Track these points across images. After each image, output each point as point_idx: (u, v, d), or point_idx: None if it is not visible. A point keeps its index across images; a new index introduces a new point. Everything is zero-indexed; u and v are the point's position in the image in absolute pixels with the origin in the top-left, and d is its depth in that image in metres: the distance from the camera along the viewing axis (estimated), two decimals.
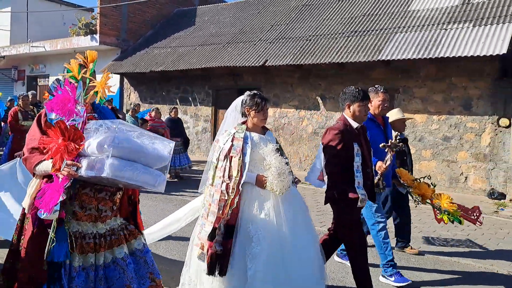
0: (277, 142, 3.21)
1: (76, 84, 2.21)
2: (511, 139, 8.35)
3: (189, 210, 3.39)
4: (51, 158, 2.07)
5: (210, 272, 2.81)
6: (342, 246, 4.22)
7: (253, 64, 11.22)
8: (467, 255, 4.90)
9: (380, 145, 3.75)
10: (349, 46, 10.16)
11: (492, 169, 8.64)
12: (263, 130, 3.20)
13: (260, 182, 2.94)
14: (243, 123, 3.13)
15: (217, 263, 2.79)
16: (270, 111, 11.90)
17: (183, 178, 9.49)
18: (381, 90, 4.13)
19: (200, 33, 14.75)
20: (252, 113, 3.09)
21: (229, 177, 2.89)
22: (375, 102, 4.08)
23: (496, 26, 8.56)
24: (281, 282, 2.79)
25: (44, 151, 2.12)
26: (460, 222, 3.98)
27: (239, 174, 2.88)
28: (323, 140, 3.39)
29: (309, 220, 3.16)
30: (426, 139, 9.43)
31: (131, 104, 14.64)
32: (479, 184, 8.80)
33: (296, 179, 3.25)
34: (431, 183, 4.25)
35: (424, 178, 4.29)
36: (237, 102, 3.22)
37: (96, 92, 2.38)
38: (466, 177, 8.96)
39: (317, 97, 11.17)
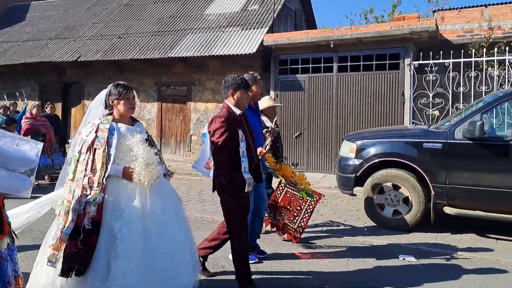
0: (147, 133, 3.13)
1: None
2: None
3: (40, 201, 3.04)
4: None
5: (65, 273, 2.66)
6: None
7: (68, 60, 11.97)
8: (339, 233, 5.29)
9: (264, 131, 3.93)
10: (152, 44, 11.51)
11: None
12: (132, 122, 3.10)
13: (127, 174, 2.83)
14: (109, 114, 3.02)
15: (75, 263, 2.65)
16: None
17: None
18: (258, 77, 4.23)
19: (28, 29, 14.93)
20: (116, 102, 2.98)
21: (92, 170, 2.76)
22: (254, 89, 4.13)
23: (255, 30, 10.58)
24: (147, 278, 2.74)
25: None
26: (312, 197, 4.48)
27: (103, 167, 2.76)
28: (210, 128, 3.40)
29: (180, 211, 3.11)
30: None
31: None
32: None
33: (169, 172, 3.23)
34: (293, 163, 4.92)
35: (282, 160, 4.71)
36: (102, 94, 3.09)
37: None
38: None
39: None
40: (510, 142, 4.81)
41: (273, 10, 10.78)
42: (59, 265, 2.68)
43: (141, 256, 2.74)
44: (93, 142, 2.82)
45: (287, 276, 3.91)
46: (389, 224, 5.44)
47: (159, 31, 11.99)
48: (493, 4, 23.35)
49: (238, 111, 3.47)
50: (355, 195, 5.97)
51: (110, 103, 3.01)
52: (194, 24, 11.78)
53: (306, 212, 4.63)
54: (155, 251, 2.79)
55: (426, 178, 5.22)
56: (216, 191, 3.44)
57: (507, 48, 8.51)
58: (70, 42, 12.88)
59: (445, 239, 5.07)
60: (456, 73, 8.59)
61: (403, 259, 4.36)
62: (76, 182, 2.76)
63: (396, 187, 5.44)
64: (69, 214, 2.71)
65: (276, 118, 4.40)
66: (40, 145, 2.34)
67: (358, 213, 6.26)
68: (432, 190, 5.19)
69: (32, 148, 2.25)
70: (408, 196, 5.35)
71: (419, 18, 9.11)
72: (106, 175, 2.77)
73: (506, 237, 5.08)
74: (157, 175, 2.85)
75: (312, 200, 4.58)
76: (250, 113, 4.06)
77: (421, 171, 5.25)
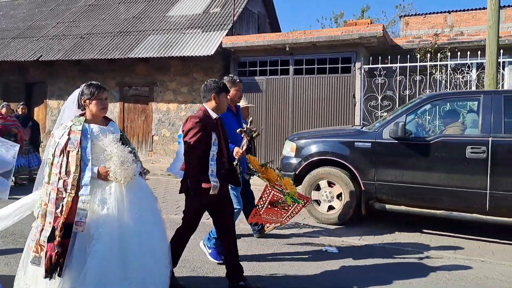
0: (121, 132, 3.15)
1: None
2: None
3: (19, 207, 3.06)
4: None
5: (49, 275, 2.68)
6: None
7: (29, 59, 11.94)
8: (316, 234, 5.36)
9: (237, 130, 3.95)
10: (113, 44, 11.60)
11: None
12: (106, 121, 3.10)
13: (102, 174, 2.85)
14: (82, 115, 3.02)
15: (57, 264, 2.68)
16: (55, 103, 12.80)
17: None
18: (237, 80, 4.32)
19: None
20: (88, 102, 2.98)
21: (67, 173, 2.77)
22: (233, 91, 4.21)
23: (214, 33, 10.82)
24: (125, 276, 2.77)
25: None
26: (298, 202, 4.43)
27: (78, 169, 2.77)
28: (184, 128, 3.43)
29: (156, 210, 3.14)
30: (177, 124, 11.38)
31: None
32: None
33: (145, 170, 3.24)
34: (277, 168, 4.77)
35: (268, 163, 4.73)
36: (74, 94, 3.07)
37: None
38: None
39: None
40: (431, 142, 5.18)
41: (233, 14, 11.02)
42: (42, 267, 2.70)
43: (119, 254, 2.76)
44: (66, 144, 2.82)
45: (277, 276, 3.95)
46: (325, 219, 5.75)
47: (121, 32, 12.09)
48: (456, 11, 24.25)
49: (214, 115, 3.50)
50: None
51: (83, 103, 3.01)
52: (156, 26, 11.93)
53: (291, 214, 4.62)
54: (133, 249, 2.81)
55: (357, 175, 5.56)
56: (183, 192, 3.47)
57: (449, 54, 8.99)
58: (33, 42, 12.84)
59: (419, 238, 5.25)
60: (403, 77, 9.02)
61: (325, 250, 4.66)
62: (51, 186, 2.76)
63: (331, 184, 5.76)
64: (46, 217, 2.74)
65: (250, 118, 4.51)
66: (16, 147, 2.35)
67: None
68: (362, 186, 5.53)
69: (8, 150, 2.27)
70: (341, 193, 5.67)
71: (370, 24, 9.49)
72: (88, 182, 2.78)
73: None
74: (133, 173, 2.88)
75: (298, 204, 4.53)
76: (230, 116, 4.14)
77: (353, 169, 5.58)
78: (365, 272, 4.11)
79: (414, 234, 5.39)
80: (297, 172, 5.98)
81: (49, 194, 2.75)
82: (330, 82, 9.61)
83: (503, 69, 8.96)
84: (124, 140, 3.11)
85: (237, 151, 3.87)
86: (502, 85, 8.85)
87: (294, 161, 6.03)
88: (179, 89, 11.35)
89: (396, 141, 5.28)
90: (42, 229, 2.73)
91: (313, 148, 5.87)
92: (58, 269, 2.67)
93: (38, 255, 2.72)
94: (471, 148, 4.94)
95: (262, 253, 4.59)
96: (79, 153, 2.80)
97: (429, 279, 3.94)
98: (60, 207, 2.72)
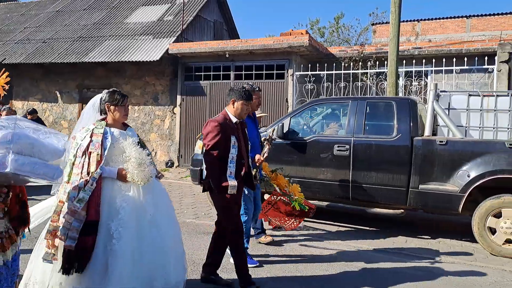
0: (138, 137, 3.26)
1: None
2: (177, 123, 11.45)
3: (40, 211, 3.17)
4: None
5: (67, 271, 2.76)
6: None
7: None
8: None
9: (262, 139, 4.15)
10: (72, 48, 12.31)
11: (170, 145, 11.67)
12: (124, 127, 3.23)
13: (121, 175, 2.95)
14: (103, 119, 3.14)
15: (76, 260, 2.75)
16: (20, 103, 13.49)
17: None
18: (256, 89, 4.47)
19: None
20: (112, 108, 3.11)
21: (88, 173, 2.88)
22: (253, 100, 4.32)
23: (164, 39, 11.56)
24: (140, 275, 2.87)
25: None
26: (305, 209, 4.57)
27: (97, 169, 2.89)
28: (203, 131, 3.58)
29: (171, 211, 3.25)
30: (131, 124, 12.07)
31: None
32: (163, 157, 11.76)
33: (160, 174, 3.32)
34: (287, 175, 4.91)
35: (277, 170, 4.93)
36: (95, 100, 3.21)
37: None
38: (156, 152, 11.86)
39: (56, 91, 13.11)
40: (307, 141, 5.92)
41: (182, 22, 11.76)
42: (59, 263, 2.78)
43: (136, 253, 2.85)
44: (88, 146, 2.93)
45: (282, 279, 4.01)
46: None
47: (81, 37, 12.80)
48: (425, 20, 25.12)
49: (234, 119, 3.61)
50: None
51: (106, 108, 3.12)
52: (113, 32, 12.65)
53: (295, 221, 4.84)
54: (147, 249, 2.90)
55: None
56: (207, 191, 3.68)
57: (377, 62, 9.75)
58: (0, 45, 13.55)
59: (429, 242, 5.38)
60: (329, 83, 9.77)
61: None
62: (72, 185, 2.85)
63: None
64: (60, 214, 2.83)
65: (275, 127, 4.62)
66: (66, 137, 2.56)
67: None
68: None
69: (59, 141, 2.41)
70: None
71: (305, 33, 10.21)
72: (97, 176, 2.87)
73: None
74: (150, 174, 2.98)
75: (303, 211, 4.65)
76: (249, 123, 4.24)
77: None
78: (369, 277, 4.11)
79: (420, 240, 5.49)
80: (202, 168, 6.68)
81: (68, 192, 2.84)
82: (267, 87, 10.34)
83: (426, 77, 9.73)
84: (141, 144, 3.21)
85: (258, 158, 4.09)
86: (425, 93, 9.55)
87: (200, 157, 6.74)
88: (133, 91, 12.04)
89: (281, 140, 6.01)
90: (55, 224, 2.80)
91: None
92: (76, 266, 2.74)
93: (50, 251, 2.79)
94: (338, 146, 5.68)
95: (259, 253, 4.63)
96: (99, 154, 2.93)
97: (441, 283, 4.00)
98: (82, 205, 2.81)
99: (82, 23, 13.68)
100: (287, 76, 10.16)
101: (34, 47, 12.88)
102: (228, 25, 15.01)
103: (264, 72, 10.41)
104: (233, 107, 3.61)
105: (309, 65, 10.21)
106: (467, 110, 5.58)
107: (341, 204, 5.89)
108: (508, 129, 5.40)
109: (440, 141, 5.21)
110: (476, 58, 8.77)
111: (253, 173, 3.98)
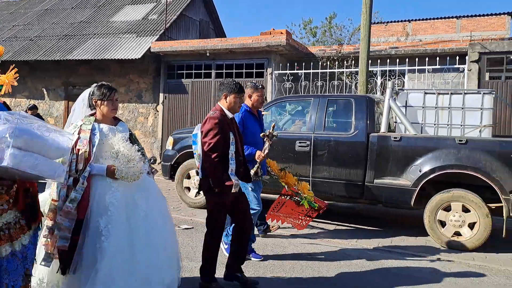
0: (130, 132, 3.19)
1: None
2: (160, 121, 11.63)
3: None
4: None
5: (63, 271, 2.78)
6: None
7: None
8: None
9: (261, 135, 4.11)
10: (57, 46, 12.49)
11: (153, 143, 11.84)
12: (115, 121, 3.15)
13: (110, 172, 2.87)
14: (92, 115, 3.07)
15: (66, 260, 2.76)
16: (7, 100, 13.65)
17: None
18: (260, 87, 4.44)
19: None
20: (99, 103, 3.04)
21: (77, 171, 2.84)
22: (255, 97, 4.37)
23: (146, 38, 11.73)
24: (132, 273, 2.81)
25: None
26: (315, 207, 4.60)
27: (86, 167, 2.85)
28: (203, 128, 3.46)
29: (164, 209, 3.16)
30: None
31: None
32: (147, 154, 11.90)
33: (154, 170, 3.29)
34: (296, 173, 4.97)
35: (286, 168, 4.99)
36: (84, 94, 3.15)
37: (1, 86, 2.43)
38: None
39: (42, 89, 13.29)
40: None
41: (165, 20, 11.94)
42: (56, 264, 2.78)
43: (127, 251, 2.79)
44: (76, 143, 2.85)
45: (287, 277, 4.02)
46: (193, 204, 6.65)
47: (67, 35, 12.98)
48: (416, 20, 25.28)
49: (230, 115, 3.56)
50: (173, 180, 7.15)
51: (93, 103, 3.07)
52: (98, 30, 12.83)
53: (306, 218, 4.89)
54: (140, 247, 2.84)
55: None
56: (202, 191, 3.57)
57: (353, 62, 9.93)
58: None
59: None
60: (307, 82, 9.95)
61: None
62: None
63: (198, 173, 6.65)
64: (53, 213, 2.81)
65: (273, 123, 4.68)
66: (73, 137, 2.59)
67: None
68: None
69: (65, 139, 2.40)
70: None
71: (285, 34, 10.36)
72: (87, 174, 2.83)
73: None
74: (139, 171, 2.89)
75: (314, 208, 4.72)
76: (252, 119, 4.32)
77: None
78: (370, 276, 4.14)
79: (420, 238, 5.47)
80: (172, 163, 6.88)
81: (59, 191, 2.81)
82: (246, 85, 10.51)
83: (404, 77, 9.91)
84: (132, 140, 3.15)
85: (259, 154, 4.07)
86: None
87: (170, 153, 6.93)
88: (117, 89, 12.09)
89: None
90: (52, 224, 2.80)
91: (184, 142, 6.77)
92: (70, 266, 2.75)
93: (51, 252, 2.78)
94: (299, 142, 5.87)
95: (269, 253, 4.64)
96: (87, 151, 2.88)
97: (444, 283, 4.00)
98: (73, 203, 2.79)
99: (69, 21, 13.84)
100: (266, 74, 10.33)
101: (21, 44, 13.05)
102: (214, 24, 15.18)
103: (244, 70, 10.59)
104: (226, 102, 3.54)
105: (288, 64, 10.39)
106: (423, 107, 5.76)
107: None
108: (461, 126, 5.58)
109: (394, 138, 5.39)
110: (448, 58, 8.96)
111: (255, 169, 4.00)
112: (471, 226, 4.96)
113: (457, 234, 5.05)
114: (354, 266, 4.40)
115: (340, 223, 6.10)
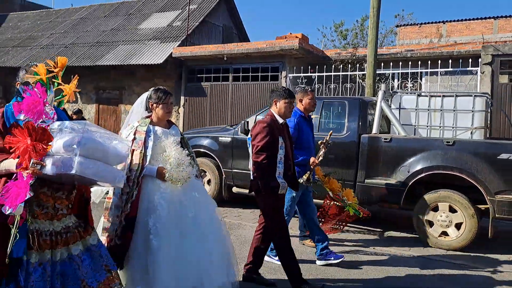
0: (181, 136, 3.26)
1: (45, 87, 2.32)
2: (181, 123, 12.14)
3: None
4: (17, 157, 2.13)
5: (119, 266, 2.83)
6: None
7: (18, 65, 13.83)
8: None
9: (319, 142, 4.18)
10: (88, 53, 13.31)
11: None
12: (169, 125, 3.25)
13: (160, 174, 2.95)
14: (148, 117, 3.18)
15: (116, 257, 2.78)
16: None
17: None
18: (310, 90, 4.46)
19: None
20: (155, 106, 3.14)
21: (130, 170, 2.93)
22: (306, 100, 4.37)
23: (169, 44, 12.28)
24: (181, 273, 2.86)
25: (11, 150, 2.16)
26: (359, 214, 4.57)
27: (139, 167, 2.93)
28: (252, 132, 3.60)
29: (213, 212, 3.21)
30: None
31: None
32: None
33: (202, 173, 3.95)
34: (341, 179, 4.98)
35: (330, 174, 4.94)
36: (143, 97, 3.27)
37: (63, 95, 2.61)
38: None
39: (76, 93, 14.13)
40: None
41: (187, 27, 12.46)
42: None
43: (175, 252, 2.85)
44: (131, 143, 2.94)
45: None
46: None
47: (98, 42, 13.80)
48: (451, 21, 24.69)
49: (280, 120, 3.64)
50: None
51: (150, 106, 3.17)
52: (127, 37, 13.56)
53: (344, 222, 4.95)
54: (188, 248, 2.90)
55: (220, 164, 6.79)
56: (253, 192, 3.64)
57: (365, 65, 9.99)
58: (27, 50, 14.79)
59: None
60: (320, 84, 10.11)
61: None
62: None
63: (202, 172, 7.01)
64: (109, 210, 2.94)
65: (331, 131, 4.69)
66: (129, 143, 2.71)
67: None
68: (223, 173, 6.75)
69: (123, 146, 2.49)
70: (210, 179, 6.91)
71: (300, 38, 10.59)
72: (142, 175, 2.93)
73: None
74: (188, 175, 2.96)
75: (358, 216, 4.68)
76: (306, 125, 4.37)
77: (217, 159, 6.82)
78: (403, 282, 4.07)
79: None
80: None
81: (114, 189, 2.91)
82: (262, 88, 10.83)
83: (421, 79, 9.89)
84: (183, 143, 3.23)
85: (313, 161, 4.14)
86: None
87: None
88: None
89: (243, 136, 6.47)
90: (108, 222, 2.91)
91: (192, 142, 7.15)
92: (123, 261, 2.83)
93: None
94: None
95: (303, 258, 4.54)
96: (142, 152, 2.98)
97: None
98: (125, 201, 2.90)
99: (101, 29, 14.70)
100: (281, 78, 10.59)
101: (57, 51, 13.99)
102: (238, 29, 15.60)
103: (259, 74, 10.90)
104: (277, 108, 3.64)
105: (303, 68, 10.60)
106: (416, 109, 5.84)
107: None
108: (453, 128, 5.62)
109: (385, 139, 5.51)
110: (461, 61, 8.87)
111: (307, 175, 4.09)
112: (458, 226, 5.01)
113: (444, 234, 5.11)
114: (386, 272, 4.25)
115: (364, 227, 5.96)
